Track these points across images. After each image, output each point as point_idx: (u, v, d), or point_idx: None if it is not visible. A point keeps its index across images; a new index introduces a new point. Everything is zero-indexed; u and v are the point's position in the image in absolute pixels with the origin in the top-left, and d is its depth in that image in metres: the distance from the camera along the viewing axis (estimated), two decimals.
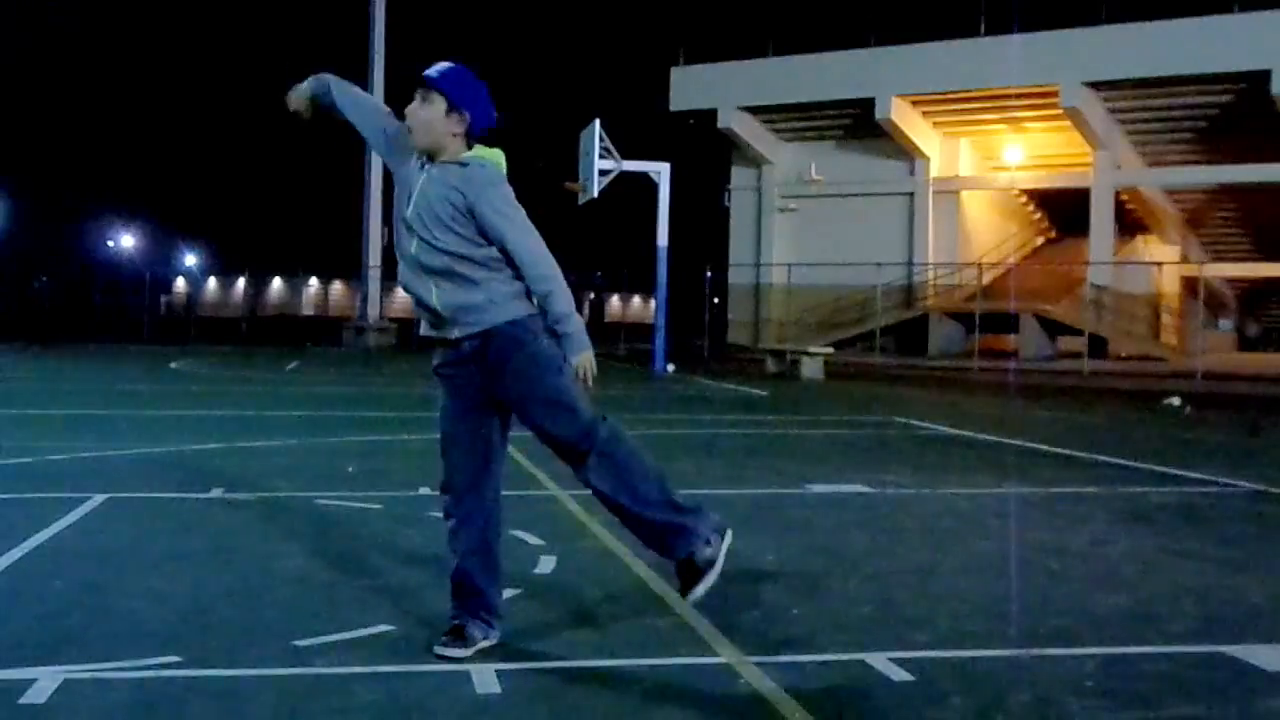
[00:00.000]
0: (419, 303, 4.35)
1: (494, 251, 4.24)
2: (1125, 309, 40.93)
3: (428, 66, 4.36)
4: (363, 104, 4.60)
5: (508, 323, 4.26)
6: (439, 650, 4.28)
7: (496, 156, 4.36)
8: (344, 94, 4.55)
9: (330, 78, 4.57)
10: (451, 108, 4.28)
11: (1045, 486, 9.09)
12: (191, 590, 5.26)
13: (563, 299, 4.23)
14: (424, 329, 4.43)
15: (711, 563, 4.34)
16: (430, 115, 4.28)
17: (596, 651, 4.41)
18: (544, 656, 4.34)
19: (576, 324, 4.24)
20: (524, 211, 4.31)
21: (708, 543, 4.35)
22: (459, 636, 4.31)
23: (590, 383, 4.24)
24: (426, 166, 4.32)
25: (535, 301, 4.30)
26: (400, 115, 4.37)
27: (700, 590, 4.33)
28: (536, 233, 4.29)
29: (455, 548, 4.40)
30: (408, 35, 48.72)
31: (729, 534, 4.44)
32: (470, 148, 4.33)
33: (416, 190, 4.29)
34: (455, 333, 4.30)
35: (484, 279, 4.25)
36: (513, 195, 4.31)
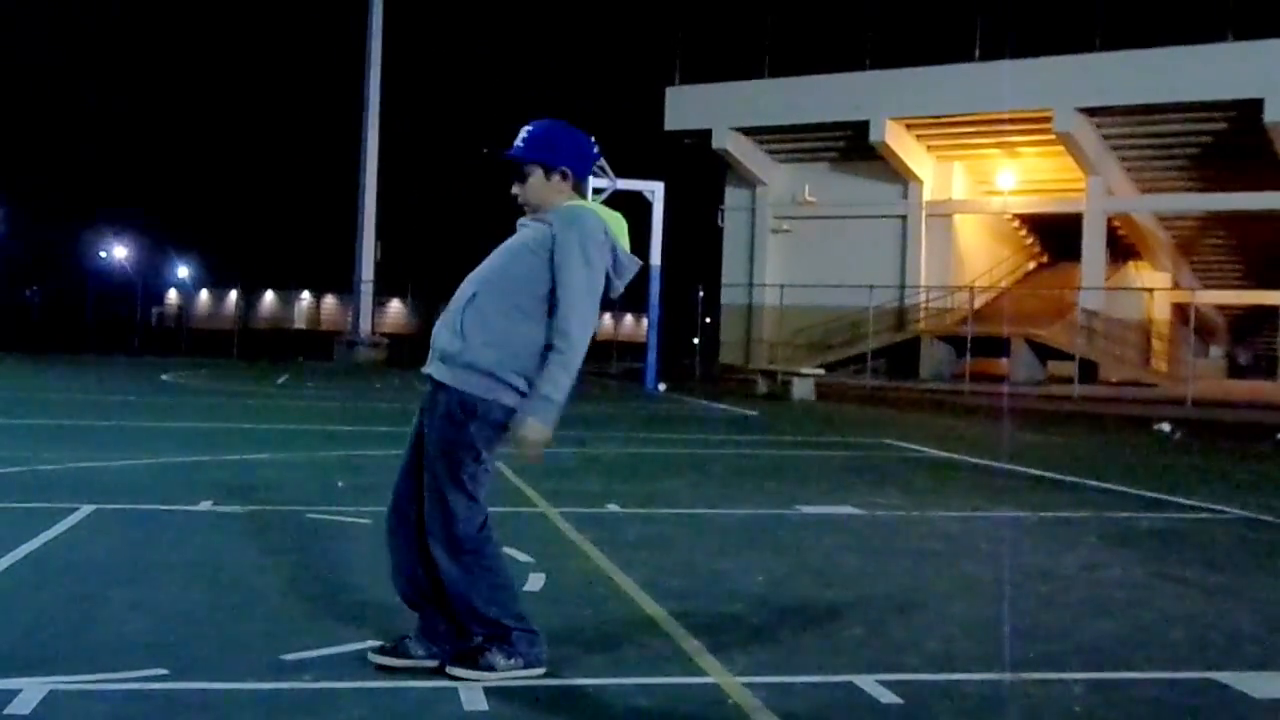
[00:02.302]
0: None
1: (526, 300, 4.19)
2: (1116, 334, 41.02)
3: (507, 140, 4.39)
4: None
5: (458, 389, 4.23)
6: (370, 655, 4.35)
7: (604, 211, 4.36)
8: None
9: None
10: (549, 170, 4.34)
11: (1035, 510, 9.09)
12: (178, 603, 5.24)
13: (567, 365, 4.17)
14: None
15: (491, 669, 4.19)
16: (536, 190, 4.35)
17: (584, 670, 4.40)
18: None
19: (558, 397, 4.14)
20: (600, 273, 4.26)
21: (509, 657, 4.22)
22: (395, 648, 4.35)
23: (530, 457, 4.15)
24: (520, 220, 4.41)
25: (498, 381, 4.21)
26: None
27: (462, 675, 4.18)
28: (592, 298, 4.24)
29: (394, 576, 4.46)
30: (403, 55, 48.86)
31: (535, 671, 4.24)
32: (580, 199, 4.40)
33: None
34: (427, 368, 4.34)
35: (477, 329, 4.20)
36: (601, 250, 4.26)
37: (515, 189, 4.38)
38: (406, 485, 4.39)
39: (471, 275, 4.33)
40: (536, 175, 4.35)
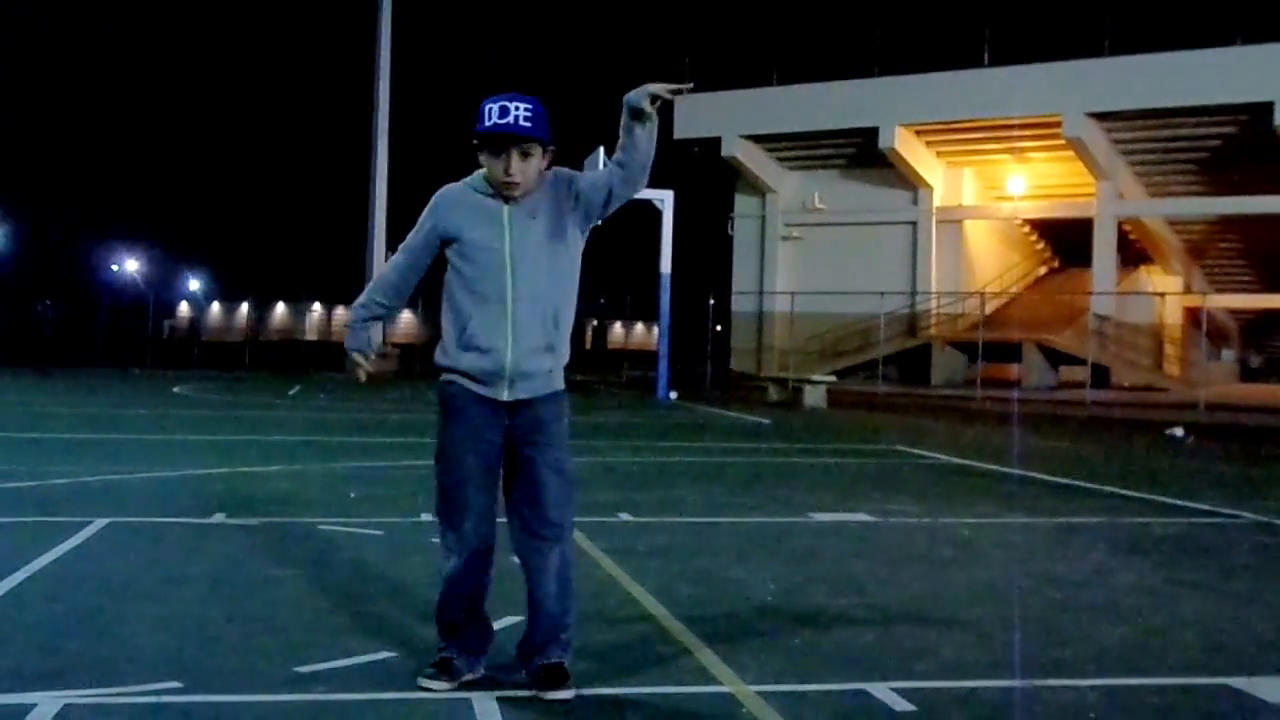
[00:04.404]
0: (483, 351, 4.26)
1: (571, 290, 4.34)
2: (1128, 339, 40.91)
3: (482, 114, 4.22)
4: (407, 282, 4.51)
5: (558, 389, 4.36)
6: (422, 682, 4.27)
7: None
8: (388, 299, 4.54)
9: (362, 314, 4.54)
10: (546, 149, 4.29)
11: (1048, 516, 9.08)
12: (192, 616, 5.26)
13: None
14: (466, 380, 4.32)
15: (570, 679, 4.25)
16: (536, 167, 4.27)
17: (598, 680, 4.39)
18: None
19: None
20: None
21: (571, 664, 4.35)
22: (445, 669, 4.30)
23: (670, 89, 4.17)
24: (506, 210, 4.27)
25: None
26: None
27: (564, 694, 4.18)
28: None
29: (449, 602, 4.37)
30: (412, 65, 48.97)
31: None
32: None
33: (507, 234, 4.25)
34: (507, 394, 4.28)
35: (561, 338, 4.32)
36: None
37: (515, 167, 4.20)
38: (480, 511, 4.33)
39: (531, 289, 4.22)
40: (541, 156, 4.28)
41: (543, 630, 4.29)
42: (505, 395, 4.26)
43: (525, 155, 4.21)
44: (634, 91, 4.16)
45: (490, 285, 4.22)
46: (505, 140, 4.18)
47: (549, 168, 4.35)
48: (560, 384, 4.38)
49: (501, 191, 4.26)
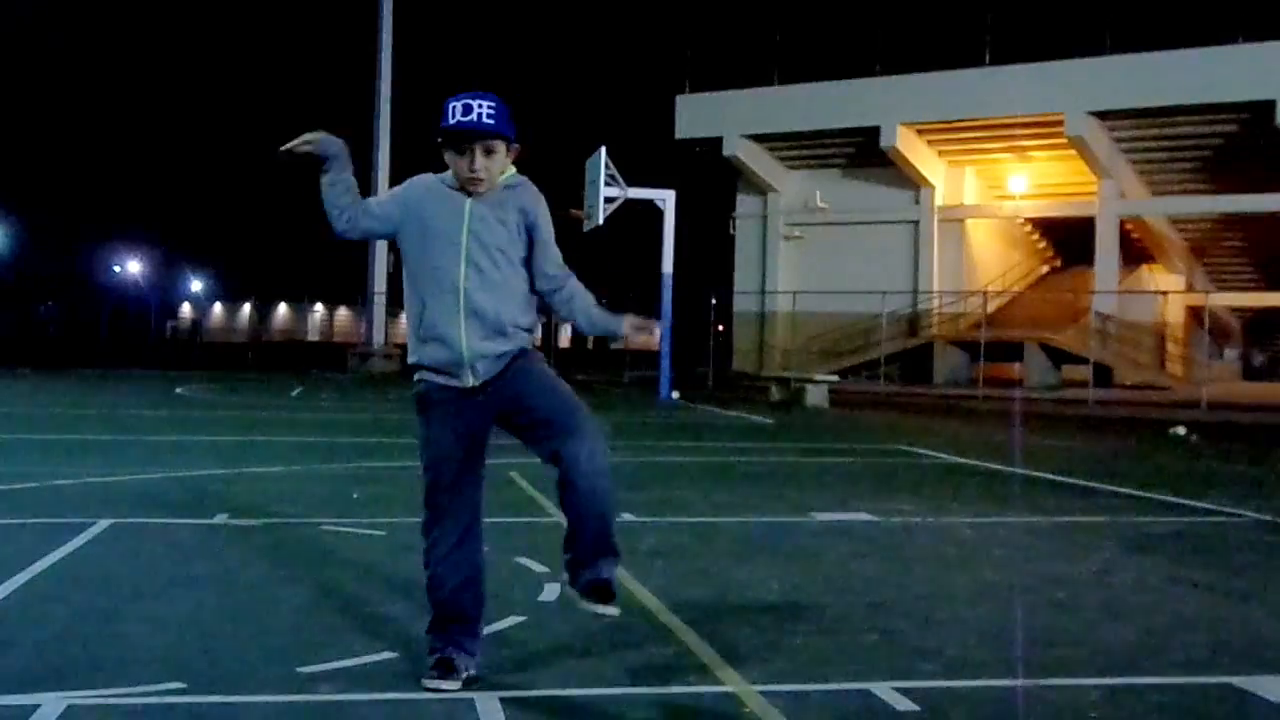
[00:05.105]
0: (441, 341, 4.30)
1: (523, 273, 4.35)
2: (1130, 338, 40.88)
3: (444, 111, 4.27)
4: (368, 209, 4.50)
5: (521, 349, 4.35)
6: (429, 684, 4.26)
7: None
8: (347, 178, 4.50)
9: (342, 151, 4.51)
10: (509, 146, 4.33)
11: (1050, 515, 9.07)
12: (195, 617, 5.26)
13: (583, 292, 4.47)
14: (429, 375, 4.39)
15: (616, 598, 4.29)
16: (499, 164, 4.31)
17: (601, 680, 4.40)
18: (548, 685, 4.33)
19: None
20: None
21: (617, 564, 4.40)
22: (448, 668, 4.30)
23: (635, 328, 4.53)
24: (468, 203, 4.30)
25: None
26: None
27: (611, 610, 4.24)
28: None
29: (446, 580, 4.40)
30: (414, 66, 48.97)
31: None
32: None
33: (465, 225, 4.29)
34: (472, 380, 4.32)
35: (517, 326, 4.33)
36: None
37: (479, 164, 4.24)
38: (471, 493, 4.43)
39: (484, 279, 4.27)
40: (505, 153, 4.32)
41: (590, 539, 4.28)
42: (471, 381, 4.32)
43: (489, 152, 4.27)
44: (615, 322, 4.50)
45: (445, 275, 4.29)
46: (469, 137, 4.24)
47: (516, 167, 4.41)
48: (525, 344, 4.37)
49: (465, 187, 4.32)
